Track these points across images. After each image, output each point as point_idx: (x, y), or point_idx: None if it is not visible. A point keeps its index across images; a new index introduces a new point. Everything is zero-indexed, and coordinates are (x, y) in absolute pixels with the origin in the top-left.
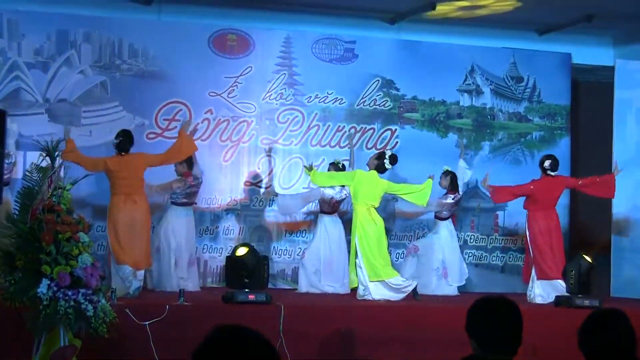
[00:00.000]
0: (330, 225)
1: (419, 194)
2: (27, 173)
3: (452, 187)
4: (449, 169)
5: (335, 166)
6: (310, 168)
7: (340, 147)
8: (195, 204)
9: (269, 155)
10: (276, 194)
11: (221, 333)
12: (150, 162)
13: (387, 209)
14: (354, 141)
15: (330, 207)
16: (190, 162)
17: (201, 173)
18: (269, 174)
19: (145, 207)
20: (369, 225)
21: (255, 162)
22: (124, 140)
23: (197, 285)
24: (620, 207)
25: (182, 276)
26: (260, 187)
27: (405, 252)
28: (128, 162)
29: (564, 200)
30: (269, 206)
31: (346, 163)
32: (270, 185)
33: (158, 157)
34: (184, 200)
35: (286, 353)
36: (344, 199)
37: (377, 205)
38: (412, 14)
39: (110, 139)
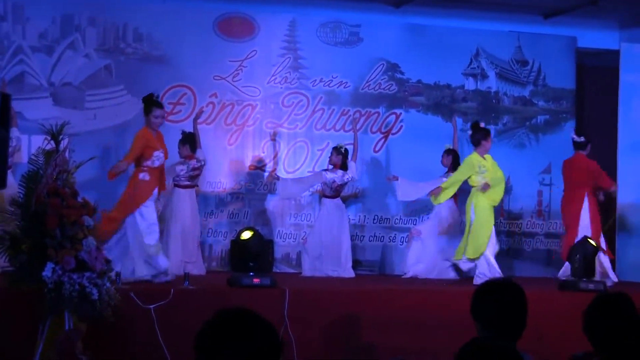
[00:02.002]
0: (332, 209)
1: None
2: (33, 157)
3: (454, 166)
4: (450, 147)
5: (338, 150)
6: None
7: (345, 131)
8: (198, 186)
9: (274, 139)
10: (278, 178)
11: (224, 317)
12: None
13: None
14: (358, 125)
15: (332, 190)
16: (193, 144)
17: (204, 155)
18: (274, 158)
19: None
20: None
21: (259, 146)
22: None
23: (203, 269)
24: (625, 191)
25: (188, 260)
26: (264, 171)
27: (407, 236)
28: None
29: None
30: (274, 190)
31: (350, 147)
32: (275, 169)
33: None
34: (187, 182)
35: (291, 337)
36: (346, 182)
37: None
38: None
39: (115, 122)
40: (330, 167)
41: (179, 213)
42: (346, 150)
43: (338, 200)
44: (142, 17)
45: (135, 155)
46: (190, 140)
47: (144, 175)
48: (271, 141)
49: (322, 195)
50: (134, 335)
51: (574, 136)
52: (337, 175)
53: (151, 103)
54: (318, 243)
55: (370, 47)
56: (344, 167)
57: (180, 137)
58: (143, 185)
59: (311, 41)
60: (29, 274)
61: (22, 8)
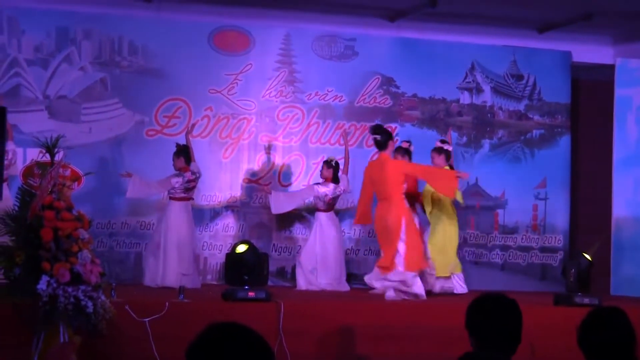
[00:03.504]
0: (325, 223)
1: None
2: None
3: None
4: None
5: (328, 164)
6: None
7: (340, 145)
8: (193, 199)
9: (268, 153)
10: (270, 192)
11: (215, 331)
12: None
13: None
14: (353, 139)
15: (325, 204)
16: (187, 156)
17: (198, 168)
18: (269, 171)
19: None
20: None
21: (254, 159)
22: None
23: (198, 282)
24: (620, 205)
25: (184, 272)
26: (260, 184)
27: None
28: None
29: (564, 198)
30: (268, 203)
31: (341, 162)
32: (270, 183)
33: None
34: (183, 194)
35: (286, 350)
36: (339, 195)
37: None
38: (412, 11)
39: (110, 135)
40: (322, 180)
41: (175, 225)
42: (337, 163)
43: (332, 214)
44: (137, 30)
45: None
46: (184, 153)
47: None
48: (266, 154)
49: (316, 209)
50: (129, 348)
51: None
52: (328, 189)
53: None
54: (312, 257)
55: (365, 61)
56: (335, 180)
57: (174, 150)
58: None
59: (306, 55)
60: (23, 287)
61: (17, 21)
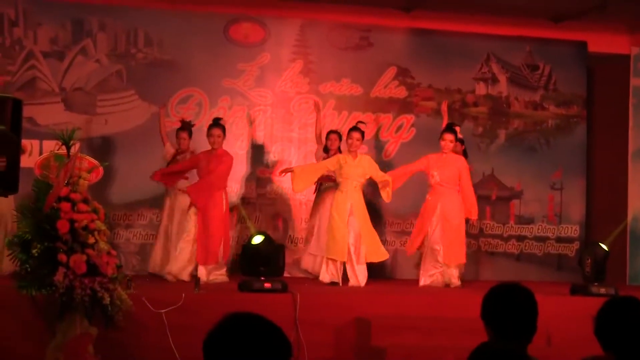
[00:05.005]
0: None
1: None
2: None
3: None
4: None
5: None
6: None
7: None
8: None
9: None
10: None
11: (232, 321)
12: None
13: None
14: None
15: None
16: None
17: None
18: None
19: None
20: None
21: (270, 150)
22: None
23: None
24: (636, 195)
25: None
26: (275, 175)
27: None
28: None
29: (580, 188)
30: (284, 194)
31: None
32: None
33: None
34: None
35: (302, 341)
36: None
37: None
38: (427, 2)
39: (126, 127)
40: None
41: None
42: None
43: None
44: (152, 22)
45: None
46: (188, 127)
47: None
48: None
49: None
50: (145, 339)
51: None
52: None
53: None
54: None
55: (380, 52)
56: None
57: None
58: None
59: (321, 46)
60: (39, 278)
61: (33, 14)
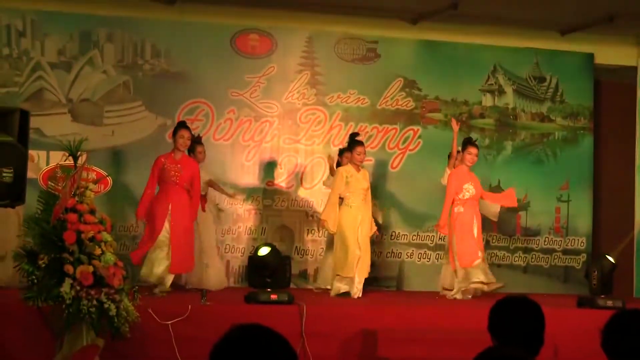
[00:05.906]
0: None
1: None
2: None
3: None
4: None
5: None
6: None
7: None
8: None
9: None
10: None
11: (238, 332)
12: None
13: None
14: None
15: None
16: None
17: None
18: (291, 174)
19: None
20: None
21: (277, 161)
22: None
23: (224, 282)
24: None
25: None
26: (282, 187)
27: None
28: None
29: (587, 200)
30: (291, 206)
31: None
32: (292, 185)
33: None
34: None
35: (308, 353)
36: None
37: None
38: (434, 14)
39: (133, 138)
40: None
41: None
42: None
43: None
44: (160, 33)
45: None
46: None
47: None
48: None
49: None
50: (152, 351)
51: None
52: None
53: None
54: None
55: (387, 64)
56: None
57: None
58: None
59: (329, 57)
60: (46, 289)
61: (40, 25)
